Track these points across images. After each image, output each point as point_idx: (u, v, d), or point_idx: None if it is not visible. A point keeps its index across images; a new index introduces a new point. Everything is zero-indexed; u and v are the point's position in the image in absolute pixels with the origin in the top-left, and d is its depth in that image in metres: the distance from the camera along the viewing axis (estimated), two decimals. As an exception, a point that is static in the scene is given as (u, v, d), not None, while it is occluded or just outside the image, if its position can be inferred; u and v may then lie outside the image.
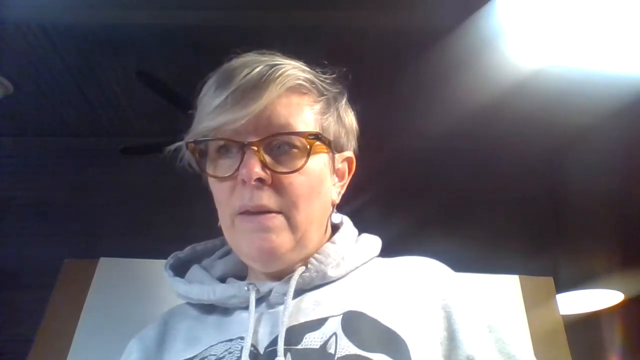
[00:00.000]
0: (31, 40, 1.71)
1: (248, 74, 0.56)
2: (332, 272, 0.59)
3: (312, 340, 0.51)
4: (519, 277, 1.61)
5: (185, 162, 0.63)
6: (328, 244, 0.62)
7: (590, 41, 1.57)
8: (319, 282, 0.59)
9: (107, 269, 1.62)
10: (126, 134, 2.18)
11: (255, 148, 0.55)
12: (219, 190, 0.58)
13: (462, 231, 2.58)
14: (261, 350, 0.52)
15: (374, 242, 0.67)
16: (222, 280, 0.64)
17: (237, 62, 0.59)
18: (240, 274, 0.65)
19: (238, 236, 0.58)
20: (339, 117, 0.63)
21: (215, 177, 0.58)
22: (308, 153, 0.57)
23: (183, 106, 1.79)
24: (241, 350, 0.52)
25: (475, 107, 1.94)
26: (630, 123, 1.99)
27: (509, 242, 2.83)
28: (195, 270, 0.67)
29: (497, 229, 2.72)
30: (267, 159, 0.55)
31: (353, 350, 0.49)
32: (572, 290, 3.13)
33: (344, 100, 0.65)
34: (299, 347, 0.51)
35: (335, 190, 0.64)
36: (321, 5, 1.60)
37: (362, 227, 0.70)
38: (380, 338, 0.51)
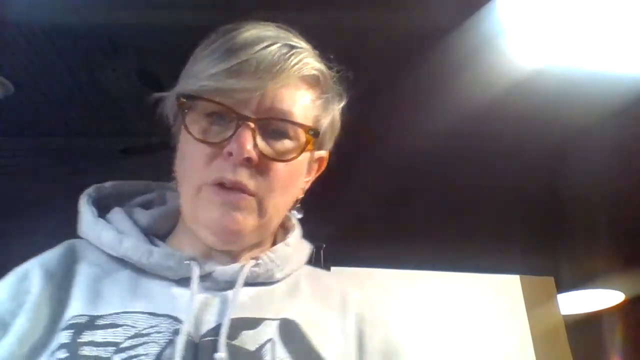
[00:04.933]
0: (31, 40, 1.71)
1: (267, 47, 0.53)
2: (277, 274, 0.59)
3: (247, 339, 0.50)
4: (520, 277, 1.62)
5: (164, 112, 0.60)
6: (282, 245, 0.61)
7: (590, 41, 1.57)
8: (263, 280, 0.58)
9: (107, 269, 1.61)
10: (126, 134, 2.18)
11: (252, 125, 0.52)
12: (195, 153, 0.54)
13: (462, 231, 2.58)
14: (196, 340, 0.49)
15: (307, 248, 0.67)
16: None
17: (251, 30, 0.56)
18: (162, 232, 0.62)
19: (202, 206, 0.54)
20: (332, 118, 0.63)
21: (203, 141, 0.53)
22: (303, 147, 0.55)
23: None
24: (173, 334, 0.48)
25: (476, 107, 1.94)
26: (630, 123, 1.99)
27: (509, 242, 2.82)
28: (120, 217, 0.60)
29: (498, 228, 2.72)
30: (260, 140, 0.53)
31: None
32: (573, 290, 3.13)
33: (341, 104, 0.64)
34: (235, 342, 0.49)
35: (303, 185, 0.63)
36: (321, 5, 1.60)
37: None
38: (308, 357, 0.52)
